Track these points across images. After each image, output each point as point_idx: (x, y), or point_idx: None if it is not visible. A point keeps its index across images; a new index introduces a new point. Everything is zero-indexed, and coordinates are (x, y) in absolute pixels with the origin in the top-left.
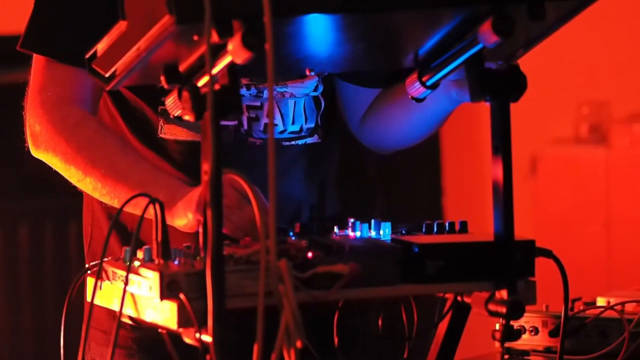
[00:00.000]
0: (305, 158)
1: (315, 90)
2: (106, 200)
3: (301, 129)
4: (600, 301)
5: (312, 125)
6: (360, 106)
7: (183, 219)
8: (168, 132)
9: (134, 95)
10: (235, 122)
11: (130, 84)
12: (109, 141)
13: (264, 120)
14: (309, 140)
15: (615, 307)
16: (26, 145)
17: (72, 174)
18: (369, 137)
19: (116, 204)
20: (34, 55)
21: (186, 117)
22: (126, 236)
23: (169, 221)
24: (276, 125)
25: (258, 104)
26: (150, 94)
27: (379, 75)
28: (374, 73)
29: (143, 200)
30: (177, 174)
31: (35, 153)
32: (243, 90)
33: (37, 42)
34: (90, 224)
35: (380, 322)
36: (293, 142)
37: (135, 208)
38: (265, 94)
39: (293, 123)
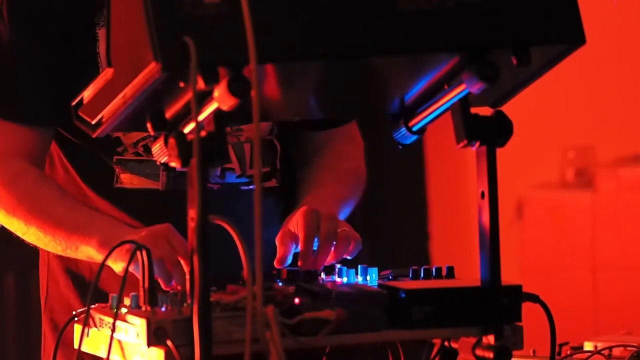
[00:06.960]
0: (267, 202)
1: (270, 133)
2: (50, 248)
3: None
4: (588, 346)
5: (269, 168)
6: (315, 150)
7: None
8: (125, 182)
9: (88, 146)
10: None
11: (116, 131)
12: (46, 190)
13: None
14: (267, 184)
15: (602, 352)
16: None
17: (16, 226)
18: None
19: (60, 251)
20: None
21: (172, 164)
22: (84, 287)
23: (110, 262)
24: (232, 169)
25: None
26: (105, 144)
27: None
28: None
29: (122, 248)
30: (135, 222)
31: None
32: None
33: None
34: (46, 279)
35: None
36: (251, 187)
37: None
38: None
39: (249, 167)
